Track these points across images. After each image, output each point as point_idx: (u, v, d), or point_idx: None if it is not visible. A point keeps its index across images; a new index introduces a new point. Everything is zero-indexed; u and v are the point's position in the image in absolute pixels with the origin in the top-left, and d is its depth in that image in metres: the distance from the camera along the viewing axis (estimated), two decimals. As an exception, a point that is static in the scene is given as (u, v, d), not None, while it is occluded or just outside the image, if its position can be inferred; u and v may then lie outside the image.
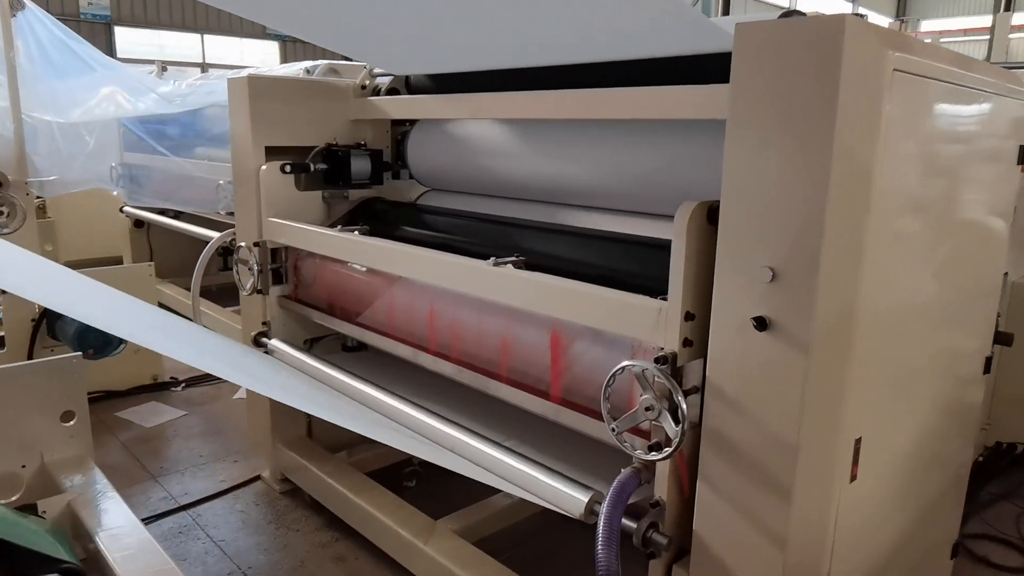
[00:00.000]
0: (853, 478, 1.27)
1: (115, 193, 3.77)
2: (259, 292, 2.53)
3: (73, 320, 3.19)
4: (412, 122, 2.67)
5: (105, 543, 1.77)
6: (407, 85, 2.63)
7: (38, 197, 5.55)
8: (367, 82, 2.66)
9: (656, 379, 1.29)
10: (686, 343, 1.32)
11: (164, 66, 5.80)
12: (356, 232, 2.19)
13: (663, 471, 1.38)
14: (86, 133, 4.42)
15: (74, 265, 5.59)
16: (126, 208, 5.02)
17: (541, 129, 2.15)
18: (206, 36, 13.35)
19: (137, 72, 4.35)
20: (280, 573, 2.24)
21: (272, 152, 2.52)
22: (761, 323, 1.17)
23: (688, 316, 1.31)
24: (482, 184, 2.41)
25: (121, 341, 3.33)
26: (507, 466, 1.61)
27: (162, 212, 4.66)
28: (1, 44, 3.16)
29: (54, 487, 2.08)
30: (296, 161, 2.50)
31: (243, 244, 2.48)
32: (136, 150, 4.59)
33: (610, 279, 1.61)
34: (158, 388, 3.71)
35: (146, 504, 2.63)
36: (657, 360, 1.30)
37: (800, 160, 1.11)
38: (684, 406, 1.25)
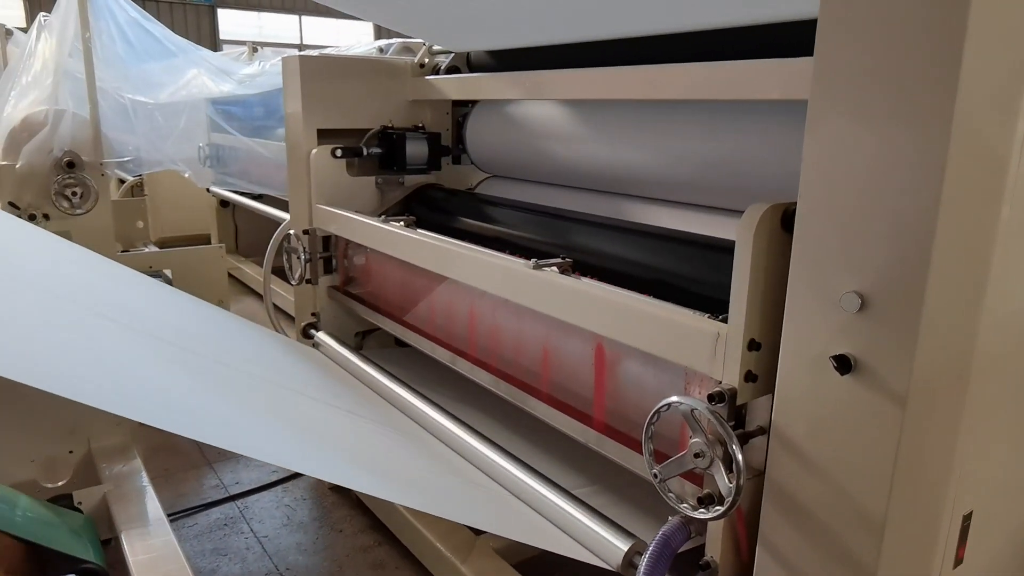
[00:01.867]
0: (959, 561, 1.00)
1: (186, 175, 3.77)
2: (308, 282, 2.43)
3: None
4: (474, 103, 2.48)
5: (128, 543, 1.71)
6: (468, 63, 2.44)
7: (121, 181, 5.75)
8: (426, 60, 2.49)
9: (709, 421, 1.05)
10: (749, 377, 1.08)
11: (255, 47, 5.88)
12: (402, 223, 2.03)
13: (716, 527, 1.15)
14: (177, 114, 4.51)
15: (165, 242, 5.78)
16: (212, 188, 5.13)
17: (607, 111, 1.92)
18: (304, 17, 13.63)
19: (214, 54, 4.37)
20: (317, 577, 2.15)
21: (324, 135, 2.40)
22: (844, 364, 0.91)
23: (753, 345, 1.06)
24: (544, 171, 2.20)
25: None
26: (536, 495, 1.42)
27: (247, 193, 4.72)
28: (78, 25, 3.18)
29: (95, 476, 2.06)
30: (349, 145, 2.37)
31: (292, 231, 2.38)
32: (221, 131, 4.66)
33: (678, 288, 1.38)
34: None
35: (198, 491, 2.61)
36: (711, 397, 1.06)
37: (904, 150, 0.84)
38: (740, 458, 1.01)
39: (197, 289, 3.64)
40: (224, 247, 3.78)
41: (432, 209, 2.35)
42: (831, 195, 0.92)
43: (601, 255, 1.62)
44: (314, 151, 2.31)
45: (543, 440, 1.73)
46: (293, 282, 2.40)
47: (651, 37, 1.72)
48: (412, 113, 2.52)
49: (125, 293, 1.91)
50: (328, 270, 2.45)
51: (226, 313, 2.30)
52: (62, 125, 3.16)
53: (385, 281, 2.16)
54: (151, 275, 3.44)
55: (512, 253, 1.86)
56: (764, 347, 1.07)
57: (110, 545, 1.88)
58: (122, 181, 6.22)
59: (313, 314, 2.46)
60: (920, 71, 0.82)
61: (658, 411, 1.10)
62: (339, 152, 2.33)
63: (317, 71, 2.35)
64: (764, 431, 1.09)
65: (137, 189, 6.11)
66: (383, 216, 2.02)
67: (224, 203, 5.43)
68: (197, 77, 4.46)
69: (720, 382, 1.10)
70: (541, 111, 2.15)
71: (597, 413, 1.42)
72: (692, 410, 1.05)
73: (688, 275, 1.41)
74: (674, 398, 1.08)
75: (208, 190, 5.25)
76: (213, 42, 11.34)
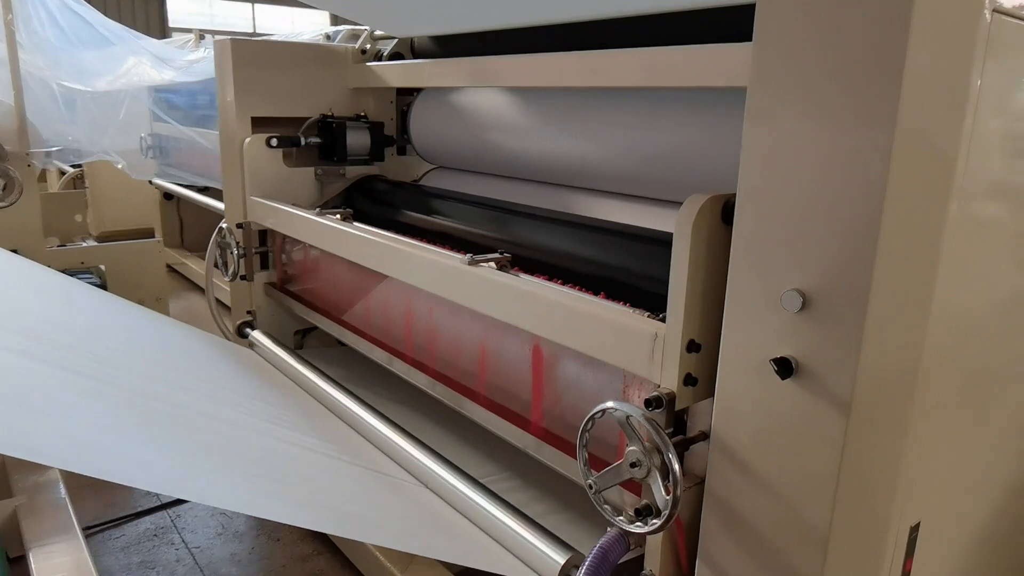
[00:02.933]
0: (906, 574, 0.95)
1: (119, 167, 3.59)
2: (243, 278, 2.31)
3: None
4: (418, 92, 2.38)
5: (36, 561, 1.58)
6: (412, 50, 2.34)
7: (62, 172, 5.49)
8: (368, 47, 2.39)
9: (646, 428, 0.98)
10: (689, 380, 1.01)
11: (202, 35, 5.66)
12: (338, 216, 1.92)
13: (656, 539, 1.08)
14: (116, 103, 4.32)
15: (107, 236, 5.55)
16: (155, 180, 4.92)
17: (552, 100, 1.84)
18: (257, 5, 13.27)
19: (155, 42, 4.19)
20: (251, 590, 2.04)
21: (260, 124, 2.27)
22: (784, 367, 0.85)
23: (692, 346, 0.99)
24: (490, 163, 2.11)
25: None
26: (472, 506, 1.33)
27: (191, 185, 4.54)
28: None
29: (7, 489, 1.91)
30: (287, 134, 2.25)
31: (225, 225, 2.26)
32: (164, 121, 4.47)
33: (627, 286, 1.30)
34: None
35: (129, 500, 2.47)
36: (648, 403, 0.99)
37: (847, 142, 0.78)
38: (677, 468, 0.94)
39: (134, 286, 3.49)
40: (161, 241, 3.61)
41: (374, 202, 2.24)
42: (771, 187, 0.85)
43: (546, 250, 1.55)
44: (247, 140, 2.19)
45: (489, 444, 1.65)
46: (226, 278, 2.28)
47: (605, 21, 1.64)
48: (354, 102, 2.41)
49: (33, 308, 1.75)
50: (265, 266, 2.33)
51: (151, 317, 2.15)
52: (-19, 113, 2.96)
53: (322, 278, 2.05)
54: (82, 272, 3.28)
55: (453, 248, 1.78)
56: (704, 348, 1.00)
57: (19, 563, 1.74)
58: (63, 173, 5.97)
59: (249, 312, 2.34)
60: (864, 60, 0.76)
61: (592, 417, 1.03)
62: (274, 141, 2.21)
63: (250, 56, 2.22)
64: (707, 436, 1.03)
65: (79, 181, 5.86)
66: (318, 209, 1.91)
67: (168, 196, 5.23)
68: (137, 65, 4.28)
69: (658, 386, 1.03)
70: (485, 99, 2.06)
71: (535, 417, 1.34)
72: (627, 417, 0.98)
73: (637, 271, 1.34)
74: (609, 403, 1.00)
75: (151, 182, 5.05)
76: (162, 30, 10.97)
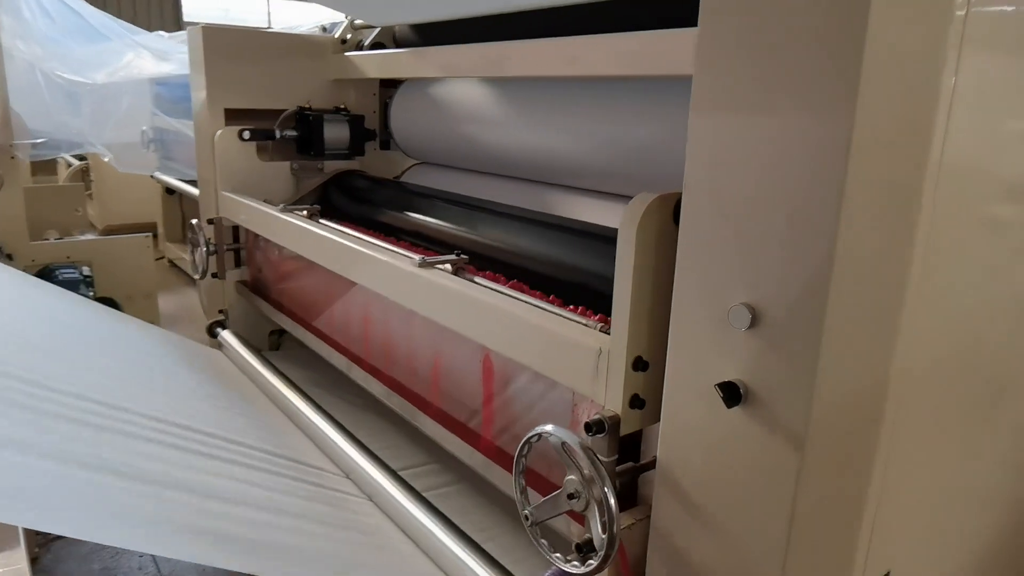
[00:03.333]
0: (876, 630, 0.83)
1: (106, 160, 3.53)
2: (215, 276, 2.23)
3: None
4: (399, 83, 2.28)
5: (-27, 572, 1.51)
6: (394, 39, 2.24)
7: (69, 164, 5.48)
8: (348, 36, 2.29)
9: (584, 454, 0.87)
10: (635, 402, 0.89)
11: (211, 28, 5.60)
12: (305, 212, 1.82)
13: None
14: (117, 96, 4.30)
15: (112, 230, 5.53)
16: (156, 174, 4.88)
17: (534, 91, 1.73)
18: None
19: (152, 36, 4.15)
20: (212, 601, 1.96)
21: (234, 116, 2.19)
22: (731, 393, 0.74)
23: (639, 364, 0.88)
24: (473, 159, 2.01)
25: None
26: (421, 532, 1.23)
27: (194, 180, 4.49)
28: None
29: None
30: (261, 127, 2.17)
31: (195, 221, 2.17)
32: (168, 115, 4.43)
33: (598, 292, 1.19)
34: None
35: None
36: (588, 427, 0.88)
37: (801, 135, 0.67)
38: (613, 504, 0.83)
39: (122, 282, 3.43)
40: (150, 236, 3.54)
41: (350, 198, 2.15)
42: (717, 185, 0.74)
43: (518, 253, 1.44)
44: (219, 133, 2.10)
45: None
46: (196, 276, 2.20)
47: (593, 4, 1.52)
48: (334, 94, 2.32)
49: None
50: (239, 263, 2.25)
51: (110, 319, 2.04)
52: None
53: (287, 277, 1.96)
54: (65, 267, 3.22)
55: (428, 248, 1.68)
56: (654, 366, 0.89)
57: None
58: (70, 165, 5.96)
59: (221, 311, 2.26)
60: (819, 40, 0.64)
61: (528, 441, 0.92)
62: (247, 134, 2.12)
63: (224, 46, 2.14)
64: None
65: (85, 174, 5.85)
66: (282, 205, 1.82)
67: (170, 190, 5.19)
68: (137, 58, 4.25)
69: (603, 407, 0.92)
70: (465, 92, 1.95)
71: (484, 434, 1.24)
72: (563, 443, 0.87)
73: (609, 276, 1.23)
74: (547, 427, 0.89)
75: (152, 176, 5.01)
76: (177, 25, 10.98)
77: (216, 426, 1.42)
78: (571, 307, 1.19)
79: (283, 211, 1.80)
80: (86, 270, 3.36)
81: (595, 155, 1.56)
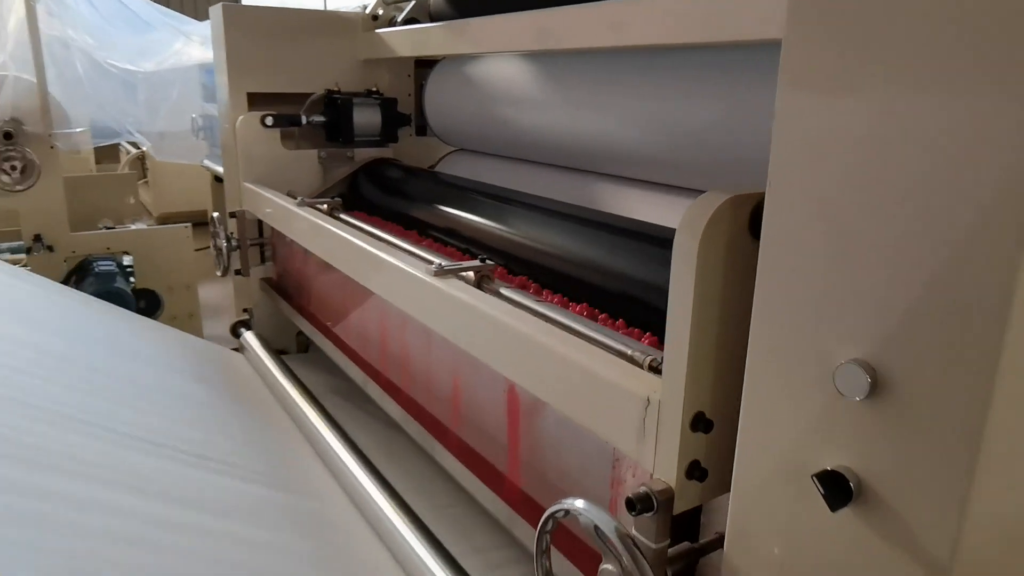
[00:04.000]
0: None
1: (144, 148, 3.46)
2: (239, 273, 2.08)
3: (91, 283, 2.93)
4: (435, 63, 2.08)
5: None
6: (429, 14, 2.04)
7: (146, 150, 5.55)
8: (380, 11, 2.10)
9: (623, 543, 0.65)
10: (694, 471, 0.67)
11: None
12: (325, 206, 1.64)
13: None
14: (168, 84, 4.28)
15: (167, 218, 5.55)
16: (205, 162, 4.84)
17: (581, 69, 1.49)
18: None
19: (200, 25, 4.09)
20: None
21: (259, 101, 2.03)
22: (836, 488, 0.51)
23: (699, 422, 0.66)
24: (513, 145, 1.79)
25: (137, 309, 3.05)
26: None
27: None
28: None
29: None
30: (286, 113, 2.00)
31: (216, 214, 2.03)
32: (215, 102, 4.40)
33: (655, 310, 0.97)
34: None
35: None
36: (630, 503, 0.66)
37: (959, 115, 0.43)
38: (663, 619, 0.61)
39: (162, 272, 3.36)
40: (190, 227, 3.45)
41: (381, 190, 1.96)
42: (820, 186, 0.50)
43: (558, 257, 1.22)
44: (240, 119, 1.94)
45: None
46: (217, 273, 2.05)
47: None
48: (366, 75, 2.14)
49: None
50: (264, 260, 2.10)
51: (126, 320, 1.91)
52: (2, 91, 2.85)
53: (308, 277, 1.79)
54: (104, 258, 3.16)
55: (458, 248, 1.48)
56: (721, 426, 0.66)
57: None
58: (128, 152, 6.01)
59: (245, 310, 2.11)
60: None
61: (552, 516, 0.71)
62: (270, 120, 1.96)
63: (246, 25, 1.98)
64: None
65: (139, 162, 5.90)
66: (300, 198, 1.65)
67: (219, 178, 5.15)
68: (186, 46, 4.22)
69: (651, 474, 0.70)
70: (505, 70, 1.74)
71: (510, 478, 1.03)
72: (595, 526, 0.65)
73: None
74: (576, 503, 0.68)
75: (203, 164, 4.98)
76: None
77: (206, 447, 1.26)
78: (626, 329, 0.97)
79: (301, 205, 1.62)
80: (127, 260, 3.30)
81: (655, 141, 1.32)
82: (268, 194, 1.78)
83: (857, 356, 0.49)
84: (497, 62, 1.77)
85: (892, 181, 0.47)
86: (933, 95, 0.44)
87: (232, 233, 2.02)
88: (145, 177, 6.09)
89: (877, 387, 0.49)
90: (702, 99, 1.18)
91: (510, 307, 0.92)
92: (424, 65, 2.18)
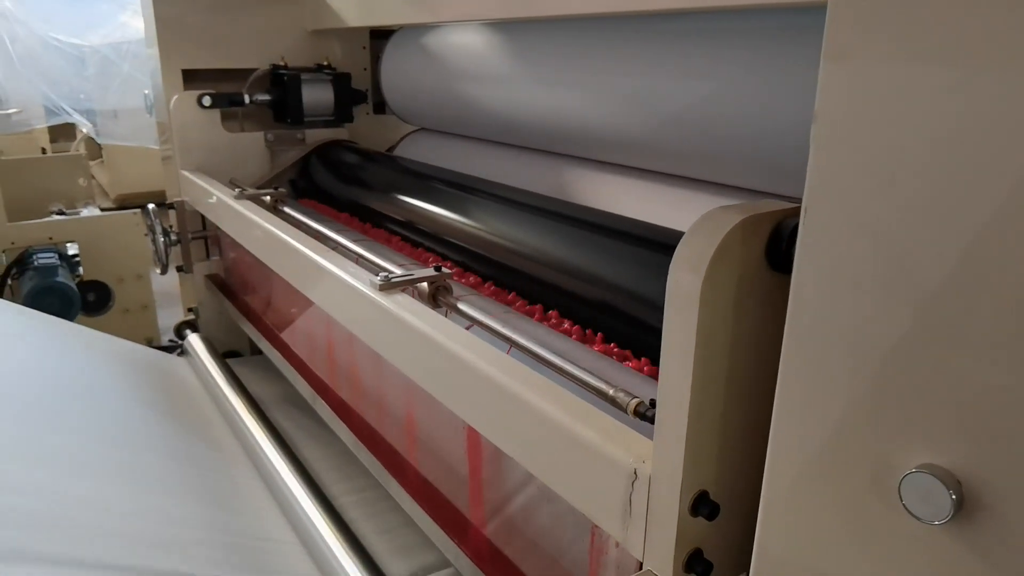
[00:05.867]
0: None
1: (84, 130, 3.22)
2: (180, 270, 1.90)
3: (30, 278, 2.72)
4: (391, 33, 1.89)
5: None
6: (382, -22, 1.84)
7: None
8: (329, -25, 1.89)
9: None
10: (695, 565, 0.53)
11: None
12: (268, 197, 1.46)
13: None
14: (118, 58, 4.03)
15: (126, 200, 5.31)
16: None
17: (554, 37, 1.32)
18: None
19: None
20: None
21: (196, 79, 1.83)
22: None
23: (702, 504, 0.51)
24: (477, 124, 1.62)
25: (85, 303, 2.85)
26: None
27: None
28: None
29: None
30: (227, 92, 1.80)
31: (150, 206, 1.84)
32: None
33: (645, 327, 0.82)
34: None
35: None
36: (613, 610, 0.52)
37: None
38: None
39: (111, 263, 3.14)
40: (140, 212, 3.22)
41: (333, 176, 1.78)
42: (883, 204, 0.35)
43: (528, 258, 1.07)
44: (174, 99, 1.74)
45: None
46: (156, 270, 1.87)
47: None
48: (316, 48, 1.94)
49: None
50: (209, 254, 1.92)
51: (55, 343, 1.69)
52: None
53: (252, 276, 1.62)
54: (44, 249, 2.94)
55: (416, 246, 1.33)
56: (729, 512, 0.52)
57: None
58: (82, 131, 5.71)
59: (190, 310, 1.94)
60: None
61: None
62: (207, 100, 1.76)
63: (177, -8, 1.77)
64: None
65: (90, 143, 5.60)
66: (239, 190, 1.46)
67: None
68: (133, 18, 3.97)
69: (640, 564, 0.55)
70: (467, 40, 1.56)
71: (474, 525, 0.88)
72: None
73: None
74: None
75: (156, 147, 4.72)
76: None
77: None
78: (604, 345, 0.83)
79: (240, 197, 1.44)
80: (72, 250, 3.08)
81: (638, 121, 1.15)
82: (205, 184, 1.59)
83: (934, 461, 0.35)
84: (460, 32, 1.59)
85: (960, 198, 0.31)
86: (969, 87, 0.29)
87: (171, 226, 1.84)
88: (101, 156, 5.79)
89: (964, 506, 0.34)
90: (692, 74, 1.02)
91: (465, 333, 0.77)
92: (381, 36, 1.99)
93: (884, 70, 0.34)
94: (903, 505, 0.36)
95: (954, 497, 0.34)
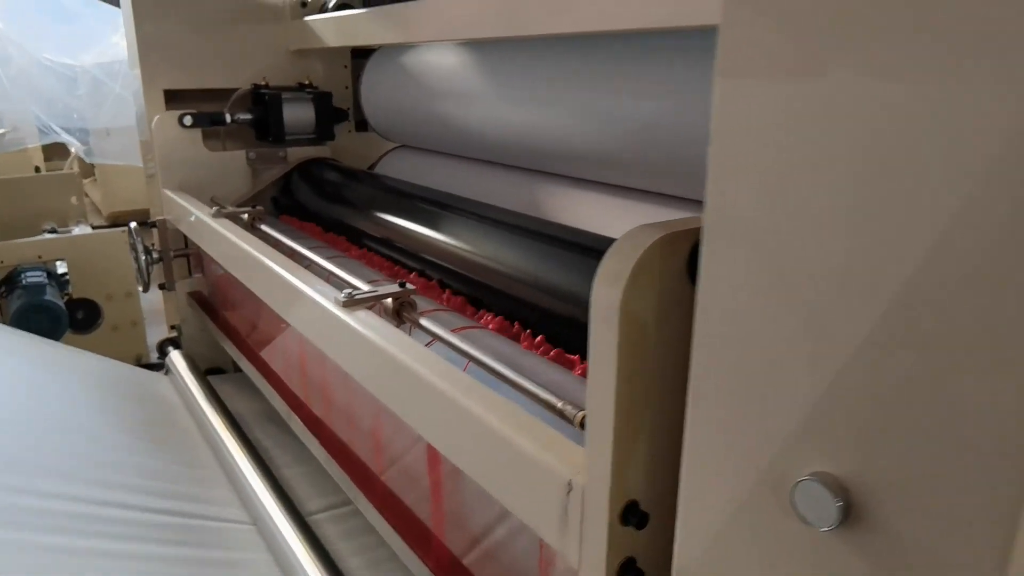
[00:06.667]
0: None
1: (72, 150, 3.25)
2: (163, 288, 1.92)
3: (19, 296, 2.73)
4: (371, 52, 1.92)
5: None
6: (363, -1, 1.88)
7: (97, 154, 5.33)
8: (309, -3, 1.93)
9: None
10: (627, 572, 0.54)
11: None
12: (246, 215, 1.48)
13: None
14: (108, 78, 4.07)
15: (120, 218, 5.33)
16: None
17: (530, 57, 1.34)
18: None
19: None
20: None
21: (178, 99, 1.85)
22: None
23: (632, 514, 0.52)
24: (457, 141, 1.64)
25: (74, 321, 2.86)
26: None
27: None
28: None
29: None
30: (209, 110, 1.83)
31: (132, 225, 1.86)
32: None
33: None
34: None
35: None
36: (548, 619, 0.53)
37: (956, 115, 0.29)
38: None
39: (100, 281, 3.16)
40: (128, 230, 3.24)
41: (314, 193, 1.80)
42: (769, 216, 0.37)
43: (492, 272, 1.08)
44: (155, 119, 1.77)
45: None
46: (140, 288, 1.88)
47: None
48: (297, 67, 1.97)
49: None
50: (191, 271, 1.93)
51: (37, 360, 1.71)
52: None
53: (230, 293, 1.63)
54: (32, 268, 2.95)
55: (392, 261, 1.34)
56: (658, 519, 0.53)
57: None
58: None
59: (172, 327, 1.95)
60: None
61: (457, 629, 0.57)
62: (188, 119, 1.78)
63: (160, 14, 1.79)
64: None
65: (80, 162, 5.62)
66: (215, 208, 1.48)
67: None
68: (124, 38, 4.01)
69: (577, 572, 0.56)
70: (445, 59, 1.58)
71: (438, 538, 0.89)
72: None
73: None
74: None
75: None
76: None
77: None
78: (562, 355, 0.84)
79: (217, 215, 1.46)
80: (62, 268, 3.09)
81: (613, 139, 1.17)
82: (184, 202, 1.61)
83: (825, 469, 0.36)
84: (436, 51, 1.62)
85: (885, 202, 0.33)
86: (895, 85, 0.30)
87: (153, 244, 1.85)
88: (93, 175, 5.82)
89: (851, 515, 0.35)
90: (670, 91, 1.04)
91: (420, 348, 0.78)
92: (362, 55, 2.02)
93: (770, 88, 0.36)
94: (796, 512, 0.37)
95: (840, 504, 0.35)
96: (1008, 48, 0.27)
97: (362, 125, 2.08)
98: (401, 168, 1.84)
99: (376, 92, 1.85)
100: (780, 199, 0.36)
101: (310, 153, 1.95)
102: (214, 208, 1.48)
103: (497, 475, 0.63)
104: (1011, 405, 0.29)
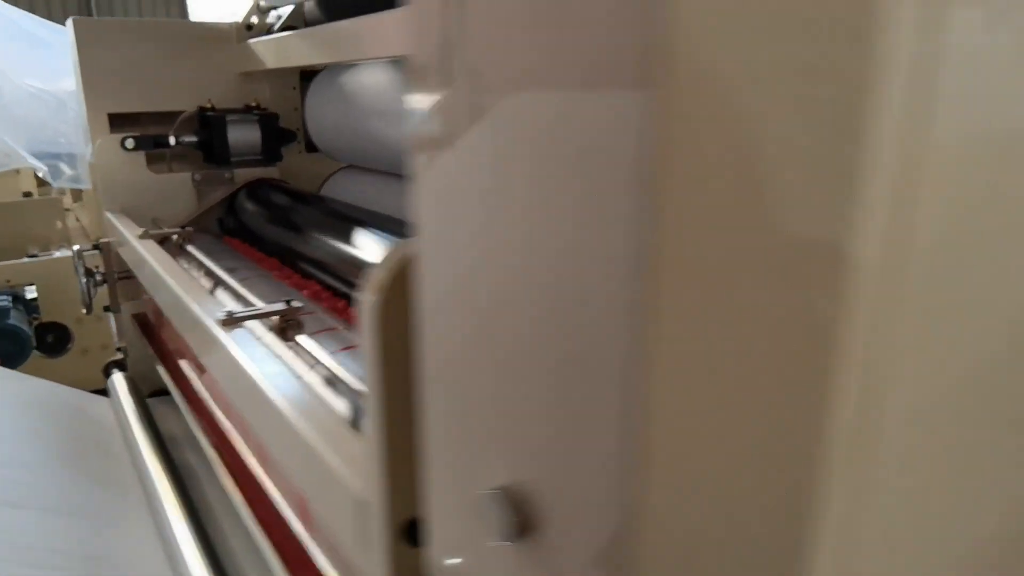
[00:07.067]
0: None
1: (40, 175, 3.27)
2: (107, 310, 1.92)
3: (-16, 323, 2.73)
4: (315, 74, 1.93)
5: None
6: (304, 20, 1.89)
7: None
8: (255, 19, 1.94)
9: None
10: (415, 590, 0.53)
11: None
12: (175, 236, 1.49)
13: None
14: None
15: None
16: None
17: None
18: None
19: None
20: None
21: (123, 123, 1.87)
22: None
23: (414, 529, 0.51)
24: (390, 159, 1.65)
25: (44, 345, 2.86)
26: None
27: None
28: None
29: None
30: (152, 133, 1.84)
31: (76, 247, 1.86)
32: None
33: None
34: (114, 393, 3.23)
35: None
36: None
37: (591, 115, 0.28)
38: None
39: (70, 304, 3.16)
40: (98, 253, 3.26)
41: (257, 215, 1.81)
42: (450, 239, 0.36)
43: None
44: (97, 143, 1.78)
45: None
46: (83, 310, 1.89)
47: None
48: (245, 90, 1.98)
49: None
50: (139, 294, 1.93)
51: None
52: None
53: (158, 315, 1.63)
54: (5, 291, 2.97)
55: (318, 282, 1.34)
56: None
57: None
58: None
59: (119, 349, 1.95)
60: None
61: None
62: (130, 143, 1.79)
63: (103, 40, 1.82)
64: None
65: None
66: (144, 230, 1.49)
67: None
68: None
69: (374, 594, 0.55)
70: (384, 79, 1.59)
71: (310, 558, 0.88)
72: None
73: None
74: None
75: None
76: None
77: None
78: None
79: (144, 236, 1.46)
80: (31, 293, 3.11)
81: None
82: (119, 224, 1.61)
83: (508, 482, 0.35)
84: (372, 70, 1.63)
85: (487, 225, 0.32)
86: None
87: (97, 267, 1.86)
88: (78, 199, 5.86)
89: (530, 526, 0.34)
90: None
91: (266, 363, 0.77)
92: (310, 77, 2.03)
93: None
94: (489, 524, 0.36)
95: (517, 518, 0.34)
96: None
97: (312, 146, 2.09)
98: (346, 188, 1.85)
99: (320, 113, 1.86)
100: (460, 226, 0.36)
101: (257, 174, 1.96)
102: (141, 230, 1.49)
103: (314, 488, 0.62)
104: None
